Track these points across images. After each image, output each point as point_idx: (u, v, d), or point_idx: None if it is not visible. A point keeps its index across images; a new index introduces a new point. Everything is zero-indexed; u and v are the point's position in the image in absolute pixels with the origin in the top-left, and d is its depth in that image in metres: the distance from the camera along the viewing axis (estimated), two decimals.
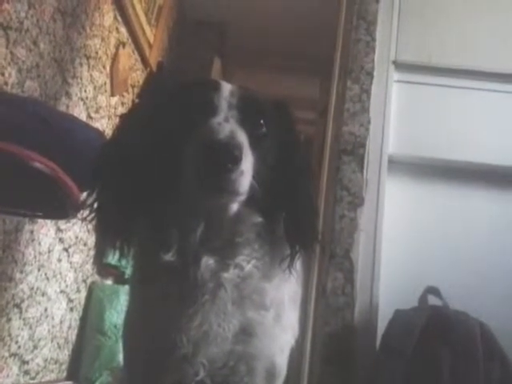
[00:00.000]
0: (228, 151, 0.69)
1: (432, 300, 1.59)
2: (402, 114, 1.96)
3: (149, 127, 0.80)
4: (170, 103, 0.81)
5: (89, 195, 0.81)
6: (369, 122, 1.92)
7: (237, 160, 0.69)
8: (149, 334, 0.79)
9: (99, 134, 1.50)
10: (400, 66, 2.02)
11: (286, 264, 0.81)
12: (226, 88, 0.81)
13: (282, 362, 0.83)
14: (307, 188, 0.87)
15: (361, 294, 1.70)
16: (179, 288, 0.77)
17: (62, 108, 2.12)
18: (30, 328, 2.05)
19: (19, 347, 1.98)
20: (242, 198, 0.75)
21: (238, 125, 0.76)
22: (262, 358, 0.79)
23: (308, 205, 0.85)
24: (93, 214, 0.79)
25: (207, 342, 0.76)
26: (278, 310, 0.82)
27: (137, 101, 2.75)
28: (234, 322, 0.77)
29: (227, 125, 0.74)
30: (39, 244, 2.05)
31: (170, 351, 0.76)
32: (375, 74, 1.98)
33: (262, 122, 0.81)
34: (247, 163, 0.72)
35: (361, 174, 1.85)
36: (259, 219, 0.80)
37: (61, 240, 2.22)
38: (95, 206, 0.79)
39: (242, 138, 0.73)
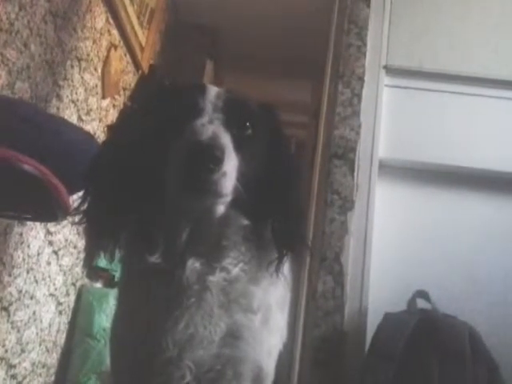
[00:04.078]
0: (210, 152, 0.68)
1: (421, 304, 1.60)
2: (392, 119, 1.97)
3: (139, 130, 0.80)
4: (157, 106, 0.81)
5: (81, 198, 0.80)
6: (359, 126, 1.93)
7: (218, 161, 0.69)
8: (134, 336, 0.79)
9: (89, 136, 1.50)
10: (391, 70, 2.03)
11: (273, 267, 0.80)
12: (212, 90, 0.81)
13: (269, 365, 0.83)
14: (295, 191, 0.86)
15: (351, 297, 1.71)
16: (165, 290, 0.77)
17: (53, 110, 2.10)
18: (18, 331, 2.03)
19: (6, 351, 1.96)
20: (226, 199, 0.75)
21: (222, 127, 0.76)
22: (249, 362, 0.79)
23: (296, 208, 0.85)
24: (83, 217, 0.79)
25: (193, 345, 0.76)
26: (266, 314, 0.82)
27: (128, 103, 2.74)
28: (221, 325, 0.77)
29: (210, 126, 0.74)
30: (28, 247, 2.03)
31: (156, 354, 0.76)
32: (366, 78, 2.00)
33: (247, 124, 0.81)
34: (230, 165, 0.72)
35: (351, 178, 1.85)
36: (246, 222, 0.80)
37: (50, 243, 2.21)
38: (85, 207, 0.79)
39: (226, 139, 0.73)
